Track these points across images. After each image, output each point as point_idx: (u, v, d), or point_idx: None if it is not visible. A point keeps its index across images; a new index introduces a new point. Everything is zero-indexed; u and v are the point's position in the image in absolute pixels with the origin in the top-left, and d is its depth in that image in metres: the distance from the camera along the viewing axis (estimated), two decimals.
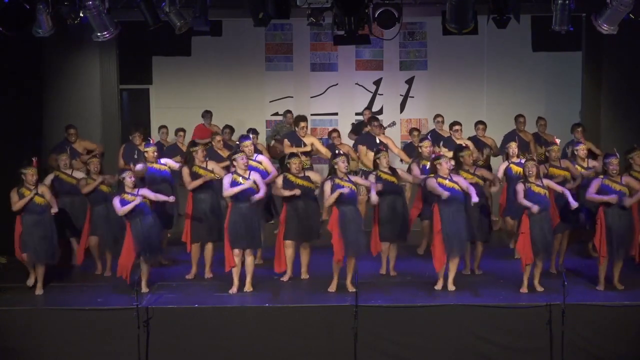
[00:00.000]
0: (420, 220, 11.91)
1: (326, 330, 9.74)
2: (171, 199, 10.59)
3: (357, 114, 15.85)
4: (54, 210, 10.48)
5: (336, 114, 15.98)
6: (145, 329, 9.64)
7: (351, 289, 10.13)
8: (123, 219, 10.44)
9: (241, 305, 9.97)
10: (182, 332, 9.75)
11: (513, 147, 11.51)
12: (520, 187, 10.28)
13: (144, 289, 10.27)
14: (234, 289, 10.42)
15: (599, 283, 10.40)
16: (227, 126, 13.99)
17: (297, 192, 10.65)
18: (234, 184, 10.35)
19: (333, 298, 10.14)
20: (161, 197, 10.49)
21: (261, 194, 10.39)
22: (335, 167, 10.46)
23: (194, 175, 11.01)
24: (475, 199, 10.16)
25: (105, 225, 11.13)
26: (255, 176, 10.46)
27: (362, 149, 12.93)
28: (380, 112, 15.73)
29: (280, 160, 13.59)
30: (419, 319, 9.77)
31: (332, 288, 10.45)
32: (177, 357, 9.75)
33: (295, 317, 9.81)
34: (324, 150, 12.89)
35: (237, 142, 11.73)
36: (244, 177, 10.39)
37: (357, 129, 14.55)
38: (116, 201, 10.35)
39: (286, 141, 12.95)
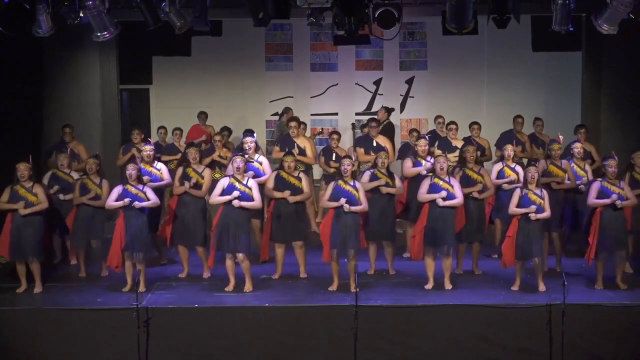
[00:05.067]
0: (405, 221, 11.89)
1: (326, 330, 9.74)
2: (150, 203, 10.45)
3: (357, 113, 15.87)
4: (26, 210, 10.36)
5: (336, 114, 16.00)
6: (145, 329, 9.64)
7: (353, 289, 10.13)
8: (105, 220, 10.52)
9: (241, 305, 9.97)
10: (182, 332, 9.75)
11: (509, 150, 11.49)
12: (516, 194, 10.30)
13: (142, 289, 10.25)
14: (230, 287, 10.43)
15: (596, 282, 10.42)
16: (225, 128, 13.93)
17: (286, 194, 10.71)
18: (229, 187, 10.33)
19: (333, 298, 10.14)
20: (149, 203, 10.38)
21: (256, 202, 10.37)
22: (341, 169, 10.47)
23: (185, 177, 11.00)
24: (448, 202, 10.24)
25: (88, 228, 11.05)
26: (251, 183, 10.42)
27: (360, 151, 12.89)
28: None
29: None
30: (419, 319, 9.77)
31: (333, 287, 10.46)
32: (177, 357, 9.75)
33: (295, 317, 9.81)
34: (310, 154, 12.81)
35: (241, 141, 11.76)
36: (240, 182, 10.37)
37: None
38: (115, 190, 10.38)
39: (276, 148, 12.88)
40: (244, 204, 10.28)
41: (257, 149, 11.71)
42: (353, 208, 10.28)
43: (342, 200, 10.27)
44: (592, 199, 10.34)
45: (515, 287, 10.37)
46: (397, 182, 11.02)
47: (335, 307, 9.83)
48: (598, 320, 9.68)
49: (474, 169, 10.95)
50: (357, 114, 15.88)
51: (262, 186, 10.83)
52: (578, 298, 9.81)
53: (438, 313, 9.80)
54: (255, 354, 9.75)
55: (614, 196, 10.21)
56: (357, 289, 9.61)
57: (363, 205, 10.36)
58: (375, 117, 14.04)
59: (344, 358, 9.65)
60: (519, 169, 11.36)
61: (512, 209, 10.28)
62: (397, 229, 11.49)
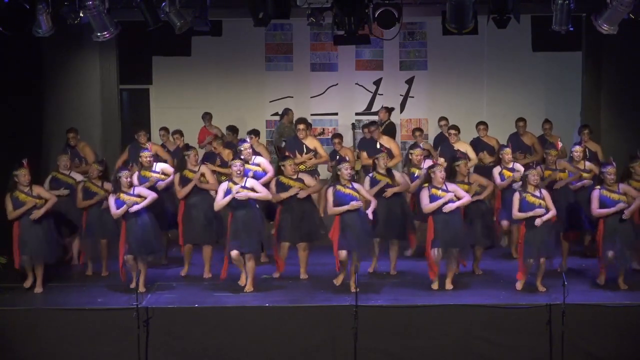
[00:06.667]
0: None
1: (326, 330, 9.74)
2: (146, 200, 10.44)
3: (357, 113, 15.87)
4: (40, 211, 10.37)
5: (336, 114, 15.99)
6: (145, 329, 9.64)
7: (354, 289, 10.14)
8: (117, 219, 10.49)
9: (241, 305, 9.97)
10: (182, 332, 9.74)
11: (507, 153, 11.50)
12: (515, 198, 10.28)
13: (141, 289, 10.23)
14: (242, 280, 10.45)
15: (598, 276, 10.45)
16: (229, 127, 13.83)
17: (293, 191, 10.68)
18: (228, 192, 10.30)
19: (333, 298, 10.14)
20: (148, 201, 10.38)
21: (263, 194, 10.35)
22: (339, 173, 10.44)
23: (184, 180, 11.01)
24: (455, 205, 10.20)
25: (98, 227, 11.10)
26: (251, 182, 10.38)
27: (363, 154, 12.85)
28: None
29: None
30: (419, 319, 9.77)
31: (338, 281, 10.48)
32: (177, 357, 9.75)
33: (295, 317, 9.81)
34: (323, 152, 12.80)
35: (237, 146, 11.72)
36: (240, 186, 10.32)
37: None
38: (111, 200, 10.37)
39: (287, 154, 12.82)
40: (252, 194, 10.22)
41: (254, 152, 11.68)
42: (368, 212, 10.27)
43: (353, 203, 10.24)
44: (595, 210, 10.33)
45: (519, 287, 10.36)
46: (399, 178, 10.98)
47: (335, 307, 9.83)
48: (598, 320, 9.67)
49: (464, 180, 10.88)
50: (357, 114, 15.88)
51: (267, 186, 10.74)
52: (578, 298, 9.80)
53: (438, 313, 9.79)
54: (255, 354, 9.75)
55: (621, 205, 10.20)
56: (357, 289, 9.61)
57: (373, 203, 10.39)
58: (375, 119, 13.99)
59: (344, 358, 9.65)
60: (517, 166, 11.36)
61: (515, 214, 10.27)
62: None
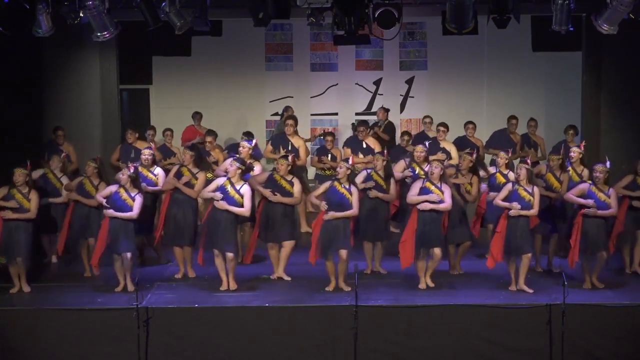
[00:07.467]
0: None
1: (326, 330, 9.74)
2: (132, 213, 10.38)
3: (357, 113, 15.86)
4: (10, 214, 10.33)
5: (336, 114, 15.99)
6: (145, 329, 9.64)
7: (345, 288, 10.14)
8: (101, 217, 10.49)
9: (241, 305, 9.97)
10: (182, 332, 9.75)
11: (502, 158, 11.47)
12: (506, 188, 10.32)
13: (130, 288, 10.11)
14: (224, 286, 10.44)
15: (584, 282, 10.43)
16: (210, 131, 13.69)
17: (267, 193, 10.69)
18: (221, 188, 10.29)
19: (333, 298, 10.14)
20: (125, 215, 10.30)
21: (244, 210, 10.29)
22: (338, 169, 10.46)
23: (178, 175, 11.01)
24: (435, 206, 10.26)
25: (85, 226, 11.04)
26: (245, 190, 10.33)
27: (347, 151, 12.88)
28: None
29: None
30: (419, 319, 9.77)
31: (330, 287, 10.46)
32: (177, 357, 9.75)
33: (295, 317, 9.81)
34: (303, 155, 12.80)
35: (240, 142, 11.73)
36: (233, 187, 10.32)
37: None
38: (110, 189, 10.39)
39: (268, 146, 12.86)
40: (230, 208, 10.23)
41: (256, 154, 11.64)
42: (339, 214, 10.24)
43: (324, 205, 10.24)
44: (570, 194, 10.37)
45: (513, 288, 10.37)
46: (392, 187, 11.02)
47: (335, 307, 9.83)
48: (598, 320, 9.69)
49: (466, 177, 10.98)
50: (357, 114, 15.87)
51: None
52: (578, 298, 9.81)
53: (438, 313, 9.80)
54: (256, 354, 9.75)
55: (590, 202, 10.20)
56: (351, 289, 9.62)
57: (353, 210, 10.33)
58: (370, 120, 14.02)
59: (344, 358, 9.65)
60: (511, 175, 11.33)
61: (497, 201, 10.32)
62: (392, 228, 11.50)
